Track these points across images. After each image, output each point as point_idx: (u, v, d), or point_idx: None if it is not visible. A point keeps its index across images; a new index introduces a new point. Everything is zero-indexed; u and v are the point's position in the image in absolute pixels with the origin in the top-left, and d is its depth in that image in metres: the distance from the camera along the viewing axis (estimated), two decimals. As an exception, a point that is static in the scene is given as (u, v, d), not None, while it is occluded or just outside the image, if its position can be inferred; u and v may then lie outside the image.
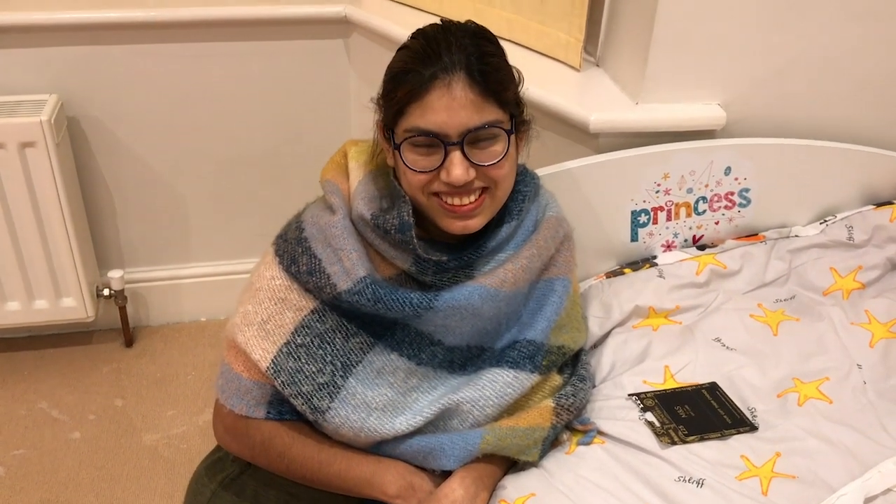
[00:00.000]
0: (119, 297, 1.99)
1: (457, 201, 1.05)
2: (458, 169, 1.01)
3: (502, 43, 1.10)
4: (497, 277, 1.12)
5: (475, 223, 1.07)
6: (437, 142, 1.01)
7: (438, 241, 1.14)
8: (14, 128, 1.66)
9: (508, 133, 1.05)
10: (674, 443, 1.12)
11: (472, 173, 1.02)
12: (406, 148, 1.04)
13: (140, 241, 2.04)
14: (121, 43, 1.80)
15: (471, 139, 1.02)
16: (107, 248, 2.02)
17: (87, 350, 2.04)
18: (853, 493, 1.04)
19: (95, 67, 1.81)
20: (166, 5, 1.79)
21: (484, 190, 1.06)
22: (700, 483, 1.07)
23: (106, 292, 1.98)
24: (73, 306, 1.89)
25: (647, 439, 1.14)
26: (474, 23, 1.10)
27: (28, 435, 1.79)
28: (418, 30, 1.09)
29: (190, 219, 2.05)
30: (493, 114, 1.03)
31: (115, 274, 1.97)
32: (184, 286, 2.11)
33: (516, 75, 1.10)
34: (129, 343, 2.06)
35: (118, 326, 2.07)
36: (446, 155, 1.02)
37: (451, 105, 1.00)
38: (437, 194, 1.05)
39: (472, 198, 1.05)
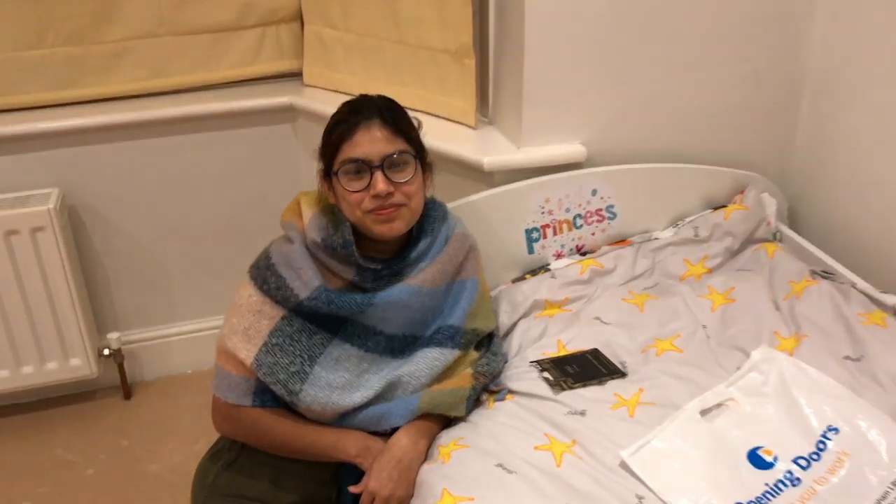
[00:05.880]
0: (117, 356, 2.26)
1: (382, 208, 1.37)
2: (380, 184, 1.34)
3: (416, 113, 1.46)
4: (419, 278, 1.45)
5: (397, 225, 1.39)
6: (364, 167, 1.36)
7: (374, 257, 1.46)
8: (26, 216, 1.96)
9: (415, 158, 1.40)
10: (563, 389, 1.44)
11: (391, 188, 1.36)
12: (342, 175, 1.37)
13: (132, 306, 2.30)
14: (108, 142, 2.09)
15: (388, 163, 1.36)
16: (104, 313, 2.28)
17: (91, 405, 2.29)
18: (692, 408, 1.36)
19: (88, 163, 2.10)
20: (143, 108, 2.11)
21: (400, 205, 1.39)
22: (583, 413, 1.39)
23: (106, 352, 2.24)
24: (80, 365, 2.15)
25: (545, 390, 1.45)
26: (381, 94, 1.47)
27: (49, 476, 2.03)
28: (344, 101, 1.45)
29: (173, 285, 2.33)
30: (402, 145, 1.38)
31: (113, 335, 2.24)
32: (172, 343, 2.37)
33: (416, 123, 1.46)
34: (128, 396, 2.32)
35: (117, 384, 2.33)
36: (372, 175, 1.35)
37: (371, 140, 1.36)
38: (369, 211, 1.38)
39: (392, 209, 1.38)
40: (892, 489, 1.21)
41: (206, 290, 2.36)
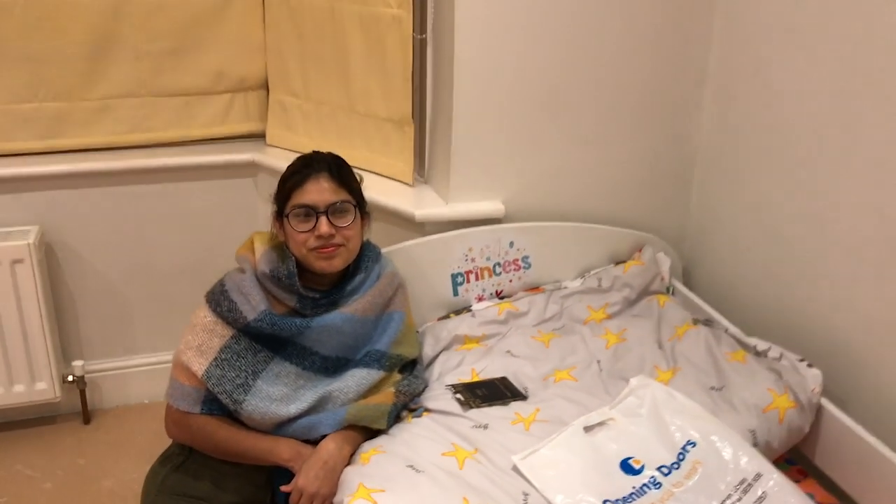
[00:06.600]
0: (80, 383, 2.42)
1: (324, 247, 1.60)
2: (324, 227, 1.58)
3: (362, 171, 1.71)
4: (352, 307, 1.67)
5: (336, 262, 1.62)
6: (311, 212, 1.59)
7: (314, 288, 1.69)
8: (8, 249, 2.14)
9: (355, 207, 1.64)
10: (472, 408, 1.66)
11: (333, 230, 1.59)
12: (292, 218, 1.60)
13: (97, 337, 2.46)
14: (86, 187, 2.30)
15: (332, 210, 1.59)
16: (71, 342, 2.44)
17: (52, 428, 2.43)
18: (577, 424, 1.58)
19: (67, 205, 2.29)
20: (120, 159, 2.32)
21: (340, 245, 1.63)
22: (486, 426, 1.60)
23: (70, 378, 2.40)
24: (45, 389, 2.30)
25: (456, 408, 1.66)
26: (330, 152, 1.72)
27: (8, 487, 2.16)
28: (299, 156, 1.70)
29: (136, 320, 2.50)
30: (345, 195, 1.62)
31: (77, 363, 2.39)
32: (131, 374, 2.54)
33: (358, 177, 1.71)
34: (87, 421, 2.47)
35: (77, 409, 2.47)
36: (317, 220, 1.59)
37: (319, 189, 1.60)
38: (312, 249, 1.61)
39: (333, 248, 1.61)
40: (734, 492, 1.44)
41: (166, 327, 2.54)
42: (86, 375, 2.45)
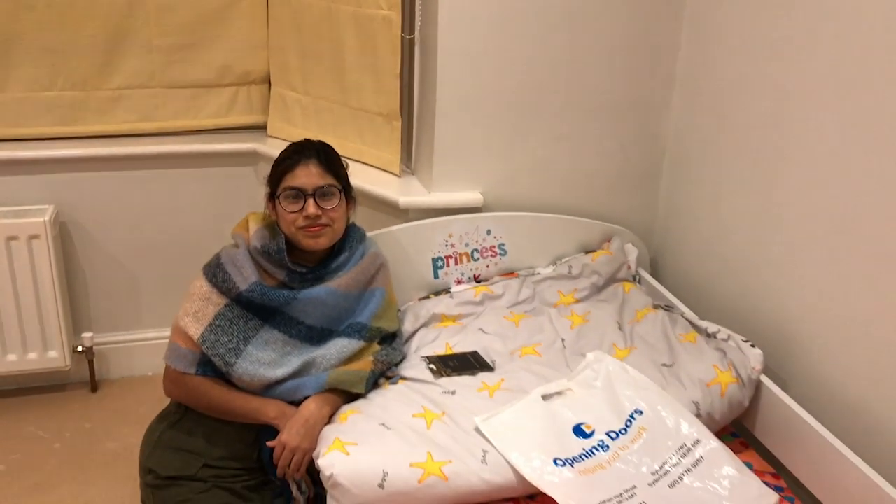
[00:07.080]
0: (89, 353, 2.58)
1: (311, 226, 1.75)
2: (311, 208, 1.73)
3: (353, 162, 1.86)
4: (336, 282, 1.82)
5: (322, 241, 1.76)
6: (300, 194, 1.74)
7: (302, 263, 1.84)
8: (26, 225, 2.30)
9: (340, 192, 1.78)
10: (442, 376, 1.81)
11: (319, 211, 1.73)
12: (283, 199, 1.75)
13: (106, 311, 2.62)
14: (99, 171, 2.46)
15: (319, 193, 1.74)
16: (81, 315, 2.60)
17: (62, 395, 2.59)
18: (536, 392, 1.73)
19: (81, 187, 2.45)
20: (131, 145, 2.49)
21: (326, 226, 1.77)
22: (454, 393, 1.74)
23: (80, 349, 2.56)
24: (56, 357, 2.46)
25: (429, 376, 1.81)
26: (320, 140, 1.87)
27: (21, 446, 2.32)
28: (292, 142, 1.85)
29: (143, 297, 2.66)
30: (331, 180, 1.77)
31: (87, 335, 2.55)
32: (137, 347, 2.70)
33: (345, 164, 1.86)
34: (94, 389, 2.63)
35: (86, 379, 2.63)
36: (305, 201, 1.74)
37: (308, 174, 1.75)
38: (301, 228, 1.76)
39: (319, 227, 1.76)
40: (674, 455, 1.58)
41: (171, 304, 2.67)
42: (94, 347, 2.60)
